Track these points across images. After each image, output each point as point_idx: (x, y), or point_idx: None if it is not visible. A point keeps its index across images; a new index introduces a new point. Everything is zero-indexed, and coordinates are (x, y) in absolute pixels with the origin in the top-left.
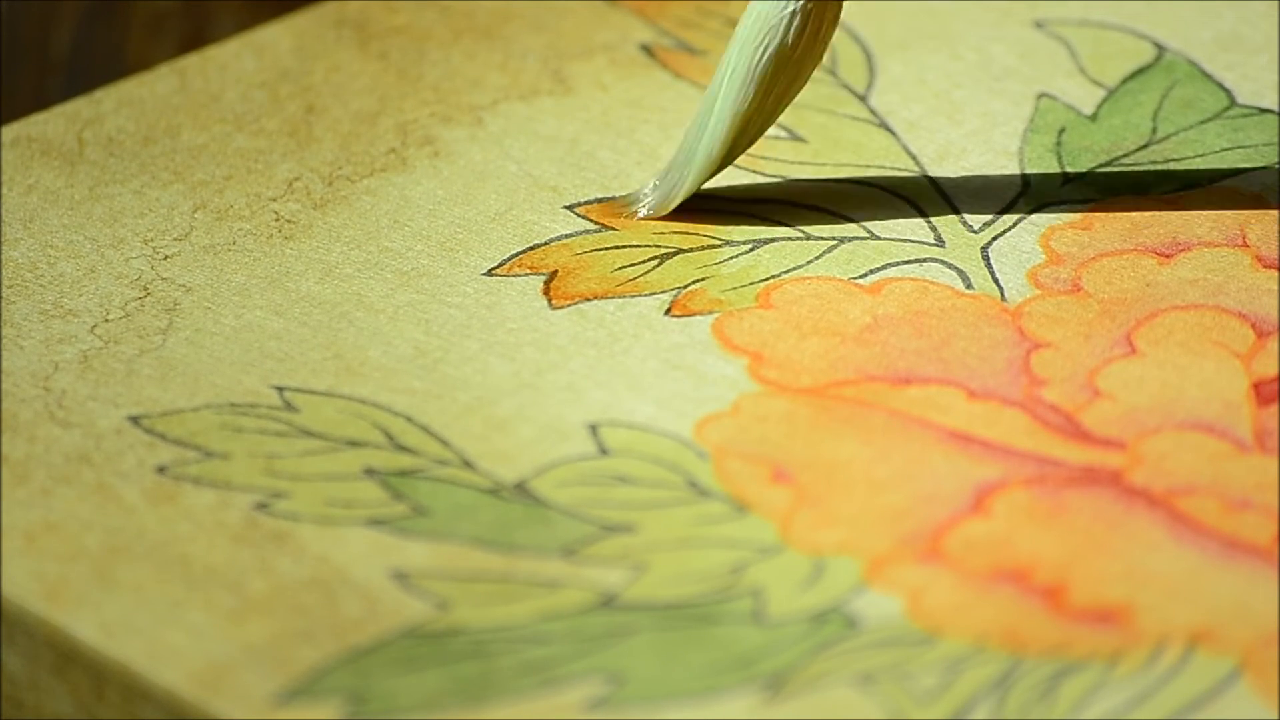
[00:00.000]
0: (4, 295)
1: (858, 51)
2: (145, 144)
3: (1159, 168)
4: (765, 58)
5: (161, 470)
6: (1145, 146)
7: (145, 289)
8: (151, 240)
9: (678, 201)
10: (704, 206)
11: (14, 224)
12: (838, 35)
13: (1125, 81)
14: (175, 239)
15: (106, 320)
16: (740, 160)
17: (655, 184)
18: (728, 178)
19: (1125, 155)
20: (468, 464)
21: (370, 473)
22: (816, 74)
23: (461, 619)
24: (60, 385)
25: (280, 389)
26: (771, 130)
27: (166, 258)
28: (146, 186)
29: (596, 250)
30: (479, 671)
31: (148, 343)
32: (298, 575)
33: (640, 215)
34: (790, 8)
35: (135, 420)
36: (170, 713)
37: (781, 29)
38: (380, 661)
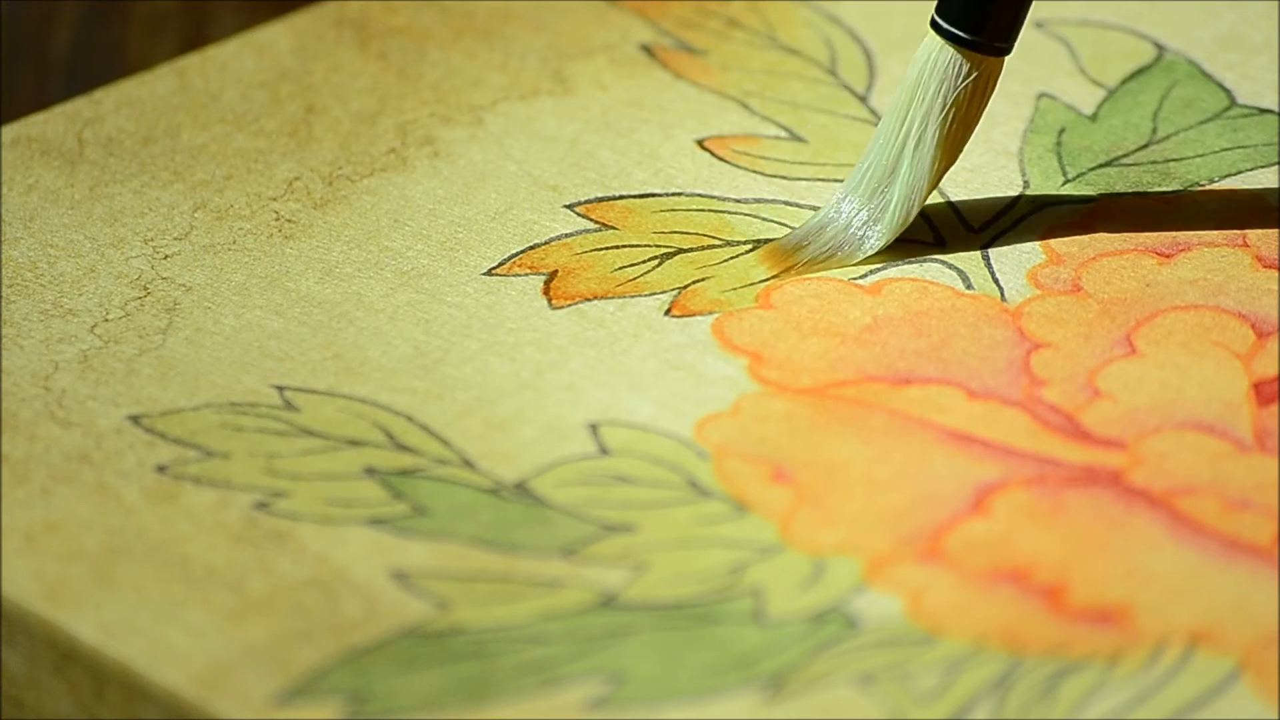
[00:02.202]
0: (4, 295)
1: (858, 51)
2: (145, 144)
3: (1159, 168)
4: (951, 116)
5: (161, 470)
6: (1145, 146)
7: (145, 289)
8: (151, 240)
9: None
10: (704, 207)
11: (14, 223)
12: (838, 35)
13: (1125, 81)
14: (175, 238)
15: (106, 320)
16: (740, 160)
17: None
18: (727, 176)
19: (1125, 155)
20: (468, 464)
21: (370, 472)
22: (816, 74)
23: (461, 619)
24: (60, 385)
25: (280, 388)
26: (771, 130)
27: (166, 257)
28: (146, 186)
29: (596, 250)
30: (479, 671)
31: (148, 342)
32: (298, 575)
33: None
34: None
35: (135, 420)
36: (170, 712)
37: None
38: (380, 661)
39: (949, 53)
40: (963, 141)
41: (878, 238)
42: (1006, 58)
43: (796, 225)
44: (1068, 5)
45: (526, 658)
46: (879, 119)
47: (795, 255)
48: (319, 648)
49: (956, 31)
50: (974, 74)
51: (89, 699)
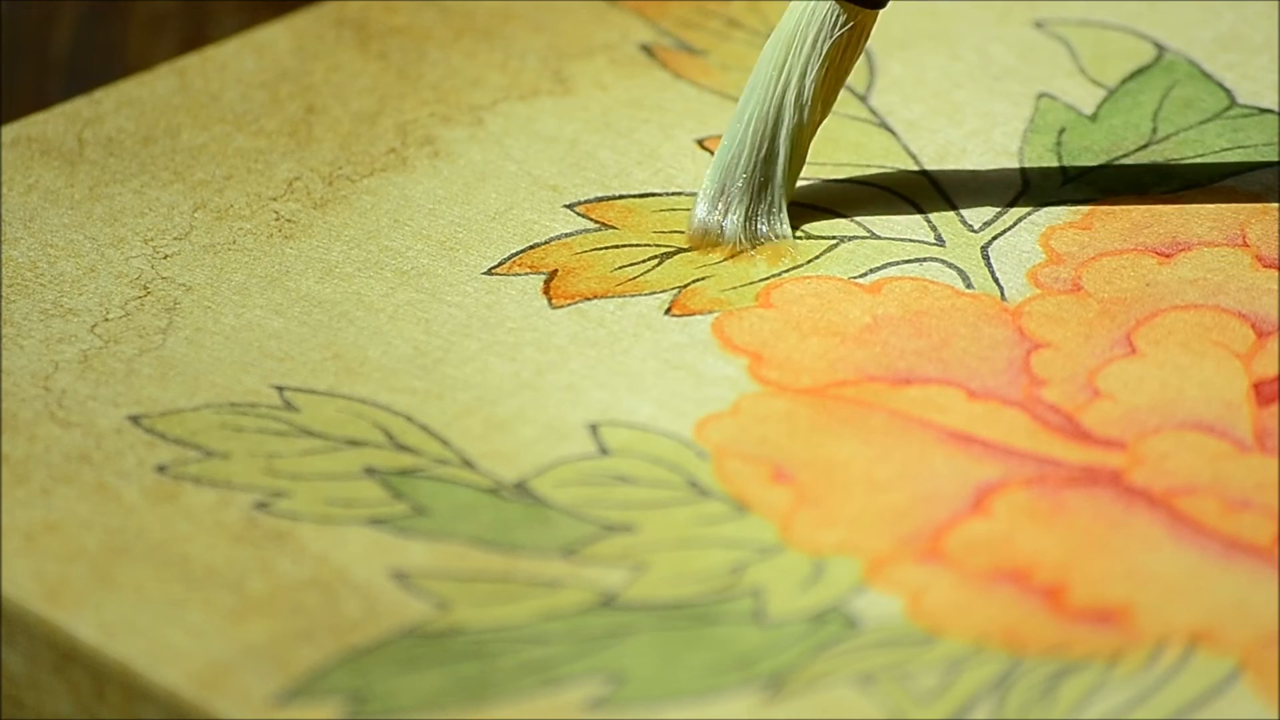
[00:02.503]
0: (4, 294)
1: None
2: (145, 144)
3: (1159, 168)
4: (826, 68)
5: (161, 470)
6: (1145, 146)
7: (145, 288)
8: (151, 240)
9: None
10: None
11: (14, 223)
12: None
13: (1125, 81)
14: (175, 238)
15: (106, 319)
16: None
17: (730, 206)
18: None
19: (1125, 155)
20: (468, 464)
21: (370, 472)
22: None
23: (461, 619)
24: (60, 385)
25: (280, 388)
26: None
27: (166, 257)
28: (146, 186)
29: (596, 249)
30: (479, 671)
31: (148, 342)
32: (298, 575)
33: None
34: (845, 20)
35: (135, 420)
36: (170, 713)
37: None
38: (380, 661)
39: (827, 4)
40: (835, 94)
41: (778, 199)
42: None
43: (796, 224)
44: (1068, 5)
45: (526, 658)
46: (879, 119)
47: (705, 239)
48: (319, 648)
49: None
50: (849, 25)
51: (89, 699)
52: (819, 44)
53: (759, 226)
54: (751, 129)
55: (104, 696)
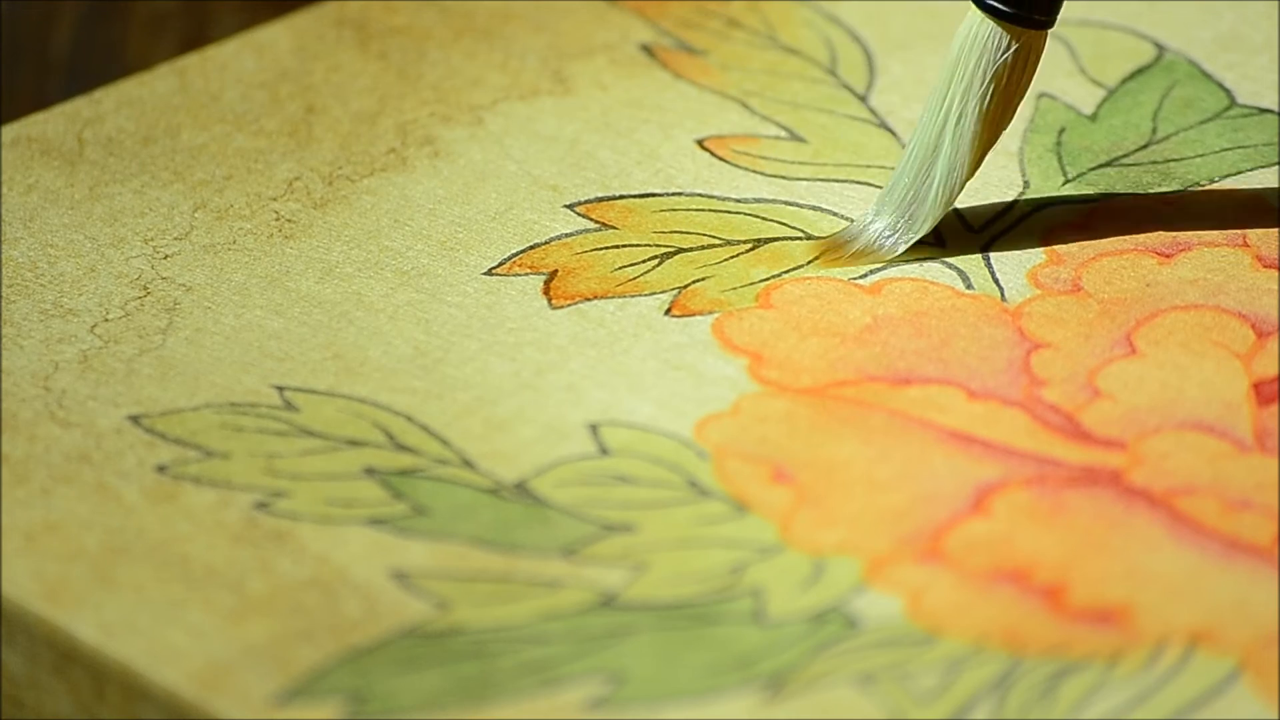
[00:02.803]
0: (4, 295)
1: (858, 51)
2: (145, 144)
3: (1159, 168)
4: (991, 90)
5: (161, 470)
6: (1145, 146)
7: (145, 288)
8: (152, 240)
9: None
10: (704, 207)
11: (14, 223)
12: (838, 35)
13: (1125, 81)
14: (175, 238)
15: (106, 320)
16: (740, 160)
17: (880, 219)
18: (727, 176)
19: (1125, 155)
20: (468, 464)
21: (370, 472)
22: (816, 74)
23: (461, 619)
24: (60, 385)
25: (280, 388)
26: (771, 130)
27: (166, 257)
28: (146, 186)
29: (596, 250)
30: (479, 671)
31: (148, 342)
32: (298, 575)
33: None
34: (1009, 41)
35: (135, 420)
36: (170, 713)
37: (1005, 61)
38: (380, 661)
39: (989, 26)
40: (1005, 118)
41: (924, 219)
42: (1050, 31)
43: (796, 225)
44: (1068, 5)
45: (526, 658)
46: (879, 119)
47: (844, 249)
48: (319, 648)
49: (996, 4)
50: (1014, 47)
51: (89, 699)
52: (982, 68)
53: (898, 245)
54: (915, 157)
55: (104, 696)
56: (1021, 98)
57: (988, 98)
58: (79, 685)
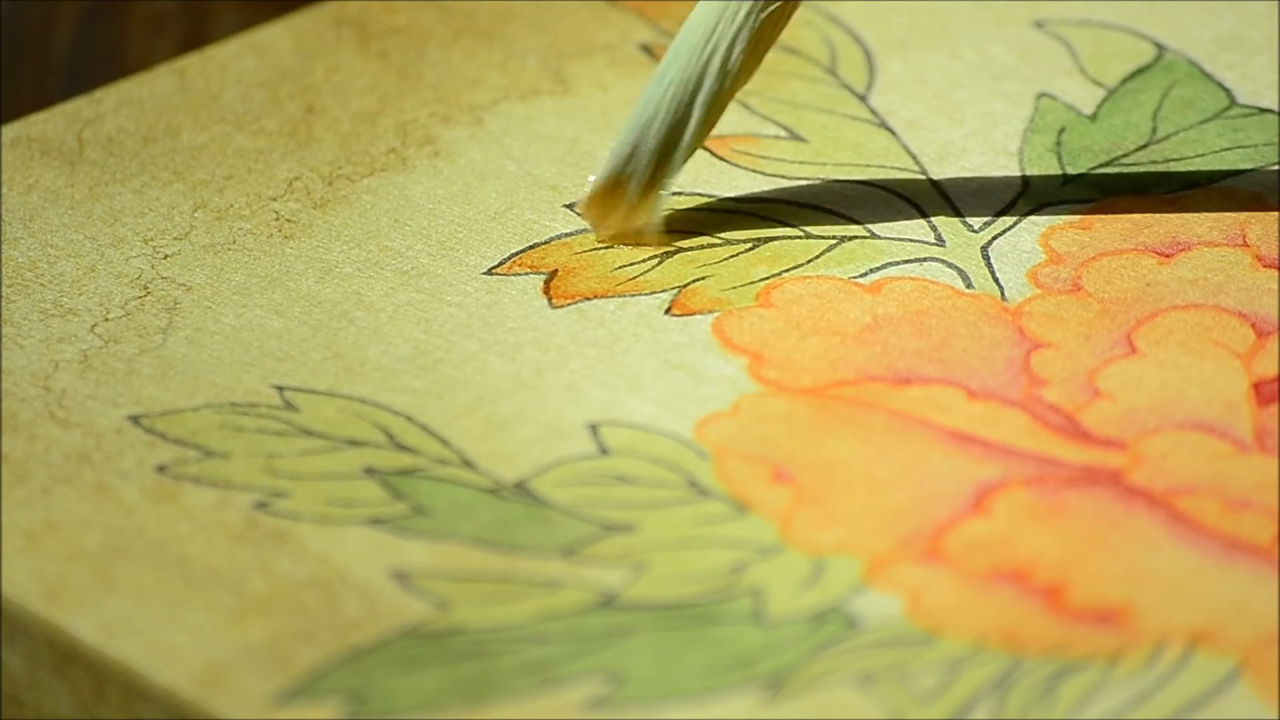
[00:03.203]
0: (4, 294)
1: (858, 51)
2: (145, 143)
3: (1159, 168)
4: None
5: (161, 470)
6: (1145, 146)
7: (145, 288)
8: (152, 240)
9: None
10: (703, 206)
11: (14, 223)
12: (838, 35)
13: (1125, 81)
14: (175, 238)
15: (106, 319)
16: (740, 159)
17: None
18: (727, 176)
19: (1125, 155)
20: (468, 463)
21: (370, 472)
22: (816, 73)
23: (461, 619)
24: (60, 385)
25: (280, 388)
26: (771, 130)
27: (166, 257)
28: (147, 186)
29: (596, 249)
30: (479, 671)
31: (148, 342)
32: (298, 575)
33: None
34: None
35: (135, 420)
36: (170, 713)
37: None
38: (380, 661)
39: None
40: (757, 65)
41: (679, 161)
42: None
43: (797, 224)
44: (1068, 5)
45: (526, 658)
46: (879, 119)
47: (619, 187)
48: (319, 648)
49: None
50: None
51: (89, 699)
52: (752, 15)
53: (659, 190)
54: (671, 93)
55: (104, 696)
56: (770, 48)
57: (751, 46)
58: (79, 685)
